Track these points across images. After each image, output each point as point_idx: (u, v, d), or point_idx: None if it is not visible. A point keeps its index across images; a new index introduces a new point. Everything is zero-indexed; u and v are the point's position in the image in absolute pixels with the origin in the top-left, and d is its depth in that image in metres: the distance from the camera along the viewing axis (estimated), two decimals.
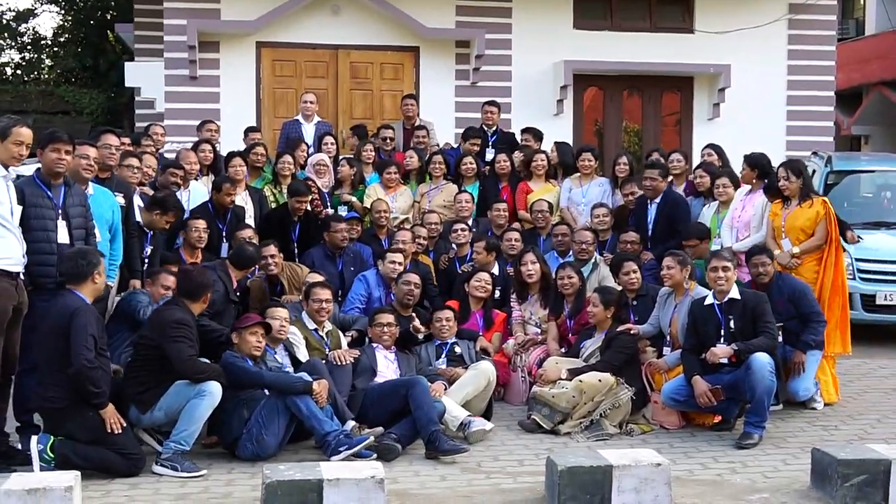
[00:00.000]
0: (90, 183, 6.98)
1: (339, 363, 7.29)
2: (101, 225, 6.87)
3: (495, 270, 9.06)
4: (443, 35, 13.82)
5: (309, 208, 9.44)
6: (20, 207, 6.07)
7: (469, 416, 7.11)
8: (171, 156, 10.00)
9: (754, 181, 8.83)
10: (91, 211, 6.69)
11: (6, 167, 5.99)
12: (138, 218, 7.93)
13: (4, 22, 30.02)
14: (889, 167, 12.97)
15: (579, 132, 14.41)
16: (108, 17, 27.24)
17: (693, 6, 14.60)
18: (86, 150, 6.87)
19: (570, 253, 9.18)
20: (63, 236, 6.35)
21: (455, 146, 11.66)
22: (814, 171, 12.35)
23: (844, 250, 9.09)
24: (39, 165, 6.43)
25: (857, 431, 7.35)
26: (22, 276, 6.13)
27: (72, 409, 6.04)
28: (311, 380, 6.59)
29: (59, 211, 6.36)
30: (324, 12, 13.65)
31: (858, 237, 10.07)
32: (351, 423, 6.82)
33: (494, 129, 11.66)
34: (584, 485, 5.42)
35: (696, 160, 10.96)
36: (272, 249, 8.54)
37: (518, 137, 11.62)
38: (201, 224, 8.42)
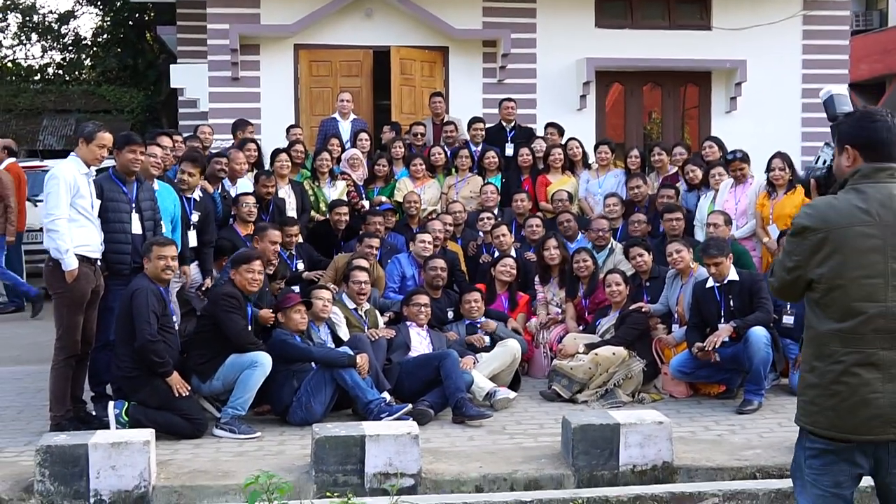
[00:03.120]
0: (155, 179, 7.76)
1: (373, 339, 8.03)
2: (164, 217, 7.66)
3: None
4: (470, 35, 14.46)
5: (346, 219, 10.12)
6: (99, 201, 6.89)
7: (495, 387, 7.84)
8: (220, 150, 10.71)
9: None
10: (158, 204, 7.49)
11: (88, 166, 6.82)
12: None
13: (47, 24, 30.88)
14: None
15: (602, 126, 15.04)
16: (147, 18, 27.96)
17: (710, 4, 15.12)
18: (154, 150, 7.69)
19: (581, 237, 9.90)
20: (136, 227, 7.18)
21: (467, 141, 12.18)
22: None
23: None
24: (114, 163, 7.25)
25: None
26: (99, 262, 6.95)
27: (143, 379, 6.87)
28: (354, 354, 7.35)
29: (133, 205, 7.19)
30: (357, 15, 14.30)
31: None
32: (386, 395, 7.57)
33: (513, 124, 12.36)
34: (595, 440, 6.14)
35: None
36: (294, 229, 9.25)
37: (542, 132, 12.32)
38: (251, 199, 9.18)
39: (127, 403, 6.87)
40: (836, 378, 3.47)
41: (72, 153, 6.91)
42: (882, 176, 3.54)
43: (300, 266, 9.27)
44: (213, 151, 10.68)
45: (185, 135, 10.54)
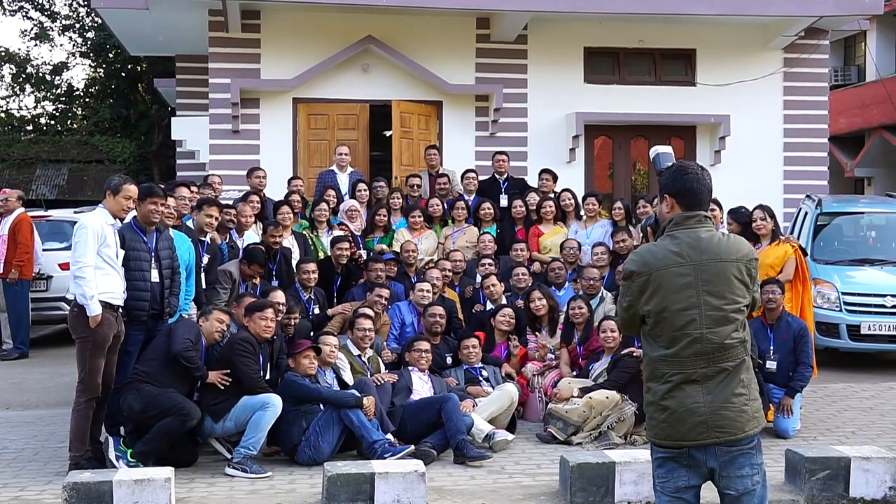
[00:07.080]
0: (170, 228, 8.12)
1: (379, 383, 8.38)
2: (180, 265, 7.99)
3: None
4: (464, 90, 15.00)
5: (347, 254, 10.47)
6: (123, 251, 7.25)
7: (493, 429, 8.18)
8: (229, 202, 11.08)
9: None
10: (176, 253, 7.85)
11: (115, 217, 7.19)
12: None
13: (41, 75, 31.30)
14: (873, 209, 14.01)
15: (591, 178, 15.53)
16: (139, 70, 28.39)
17: (695, 61, 15.76)
18: (168, 201, 8.05)
19: (568, 286, 10.33)
20: (155, 276, 7.53)
21: (461, 193, 12.53)
22: (806, 213, 13.42)
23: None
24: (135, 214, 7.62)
25: (833, 441, 8.32)
26: (121, 310, 7.29)
27: (132, 384, 7.35)
28: (361, 396, 7.71)
29: (153, 254, 7.54)
30: (354, 70, 14.83)
31: None
32: (390, 436, 7.89)
33: (505, 176, 12.78)
34: (592, 478, 6.50)
35: None
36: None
37: (537, 179, 12.75)
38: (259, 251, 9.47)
39: (128, 450, 7.27)
40: (665, 394, 4.06)
41: (99, 205, 7.29)
42: (691, 222, 4.15)
43: (316, 310, 9.61)
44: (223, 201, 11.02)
45: (198, 183, 10.87)
